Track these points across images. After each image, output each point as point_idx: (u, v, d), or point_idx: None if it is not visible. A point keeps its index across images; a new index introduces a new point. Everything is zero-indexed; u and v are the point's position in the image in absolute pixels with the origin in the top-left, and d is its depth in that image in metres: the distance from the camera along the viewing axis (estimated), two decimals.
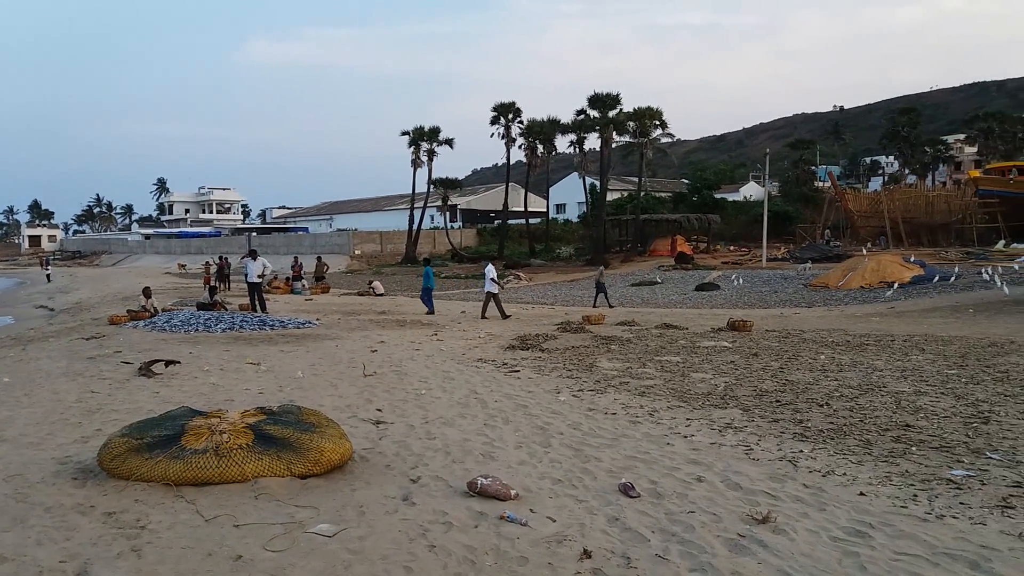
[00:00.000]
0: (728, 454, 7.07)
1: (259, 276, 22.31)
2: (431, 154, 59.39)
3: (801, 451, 7.12)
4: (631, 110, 51.99)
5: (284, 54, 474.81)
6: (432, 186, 61.70)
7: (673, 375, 11.35)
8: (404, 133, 59.28)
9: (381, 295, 31.44)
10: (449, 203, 65.73)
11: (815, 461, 6.80)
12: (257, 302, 21.79)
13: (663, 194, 68.62)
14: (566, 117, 55.83)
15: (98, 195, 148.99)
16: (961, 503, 5.65)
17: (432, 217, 68.58)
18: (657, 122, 51.93)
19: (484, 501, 5.66)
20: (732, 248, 55.56)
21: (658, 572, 4.50)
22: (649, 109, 51.63)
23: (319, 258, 39.51)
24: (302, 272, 34.78)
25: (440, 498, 5.78)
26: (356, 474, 6.33)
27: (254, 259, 22.41)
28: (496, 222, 68.43)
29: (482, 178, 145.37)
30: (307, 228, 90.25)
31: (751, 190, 77.97)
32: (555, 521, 5.30)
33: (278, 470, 6.02)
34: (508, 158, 59.97)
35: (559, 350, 14.20)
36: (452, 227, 69.24)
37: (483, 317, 20.52)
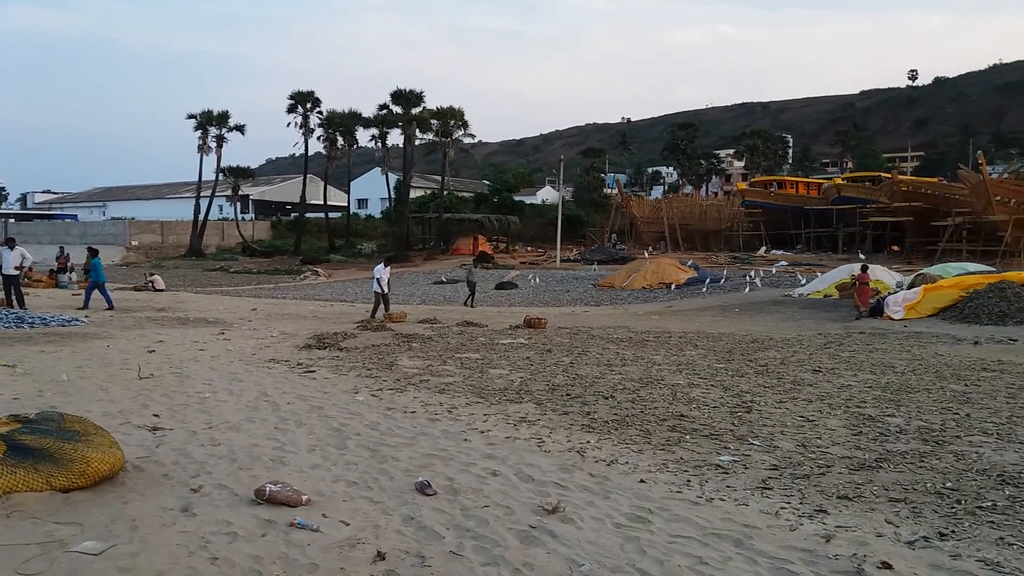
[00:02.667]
0: (522, 447, 7.28)
1: (17, 268, 19.91)
2: (221, 140, 56.19)
3: (588, 442, 7.48)
4: (434, 108, 52.31)
5: (54, 23, 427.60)
6: (222, 174, 58.33)
7: (472, 372, 11.51)
8: (191, 116, 55.68)
9: (161, 290, 29.17)
10: (241, 193, 62.40)
11: (601, 451, 7.17)
12: (14, 297, 19.42)
13: (466, 194, 69.69)
14: (368, 111, 55.12)
15: None
16: (728, 486, 6.19)
17: (221, 207, 64.81)
18: (460, 122, 52.64)
19: (273, 508, 5.40)
20: (529, 249, 57.67)
21: (452, 569, 4.51)
22: (452, 109, 52.27)
23: (90, 248, 35.83)
24: (69, 264, 31.43)
25: (224, 507, 5.43)
26: (129, 486, 5.79)
27: (11, 248, 19.96)
28: (293, 215, 65.98)
29: (278, 168, 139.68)
30: (76, 216, 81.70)
31: (547, 194, 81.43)
32: (349, 525, 5.16)
33: (35, 484, 5.36)
34: (306, 149, 58.12)
35: (358, 349, 13.93)
36: (244, 218, 65.82)
37: (387, 317, 19.27)
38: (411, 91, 52.35)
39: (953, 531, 5.11)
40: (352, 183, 64.99)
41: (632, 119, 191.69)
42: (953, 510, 5.51)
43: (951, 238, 38.39)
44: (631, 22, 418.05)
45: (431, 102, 53.42)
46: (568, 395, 9.72)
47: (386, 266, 20.77)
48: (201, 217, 56.73)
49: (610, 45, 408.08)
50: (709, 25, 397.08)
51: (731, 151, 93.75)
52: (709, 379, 10.97)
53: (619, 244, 54.79)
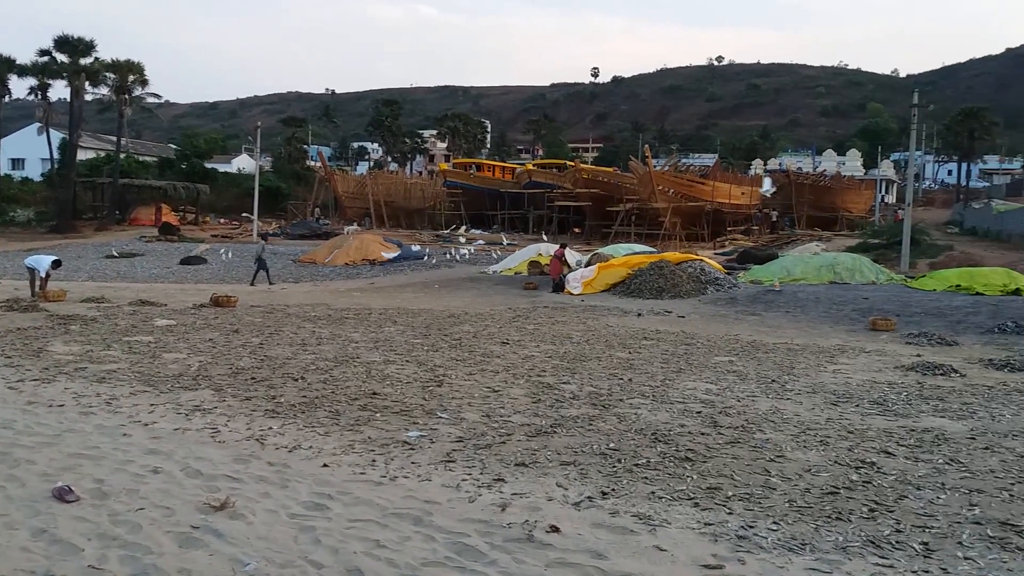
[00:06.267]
0: (192, 439, 6.60)
1: None
2: None
3: (271, 428, 7.01)
4: (110, 60, 46.53)
5: None
6: None
7: (142, 357, 10.31)
8: None
9: None
10: None
11: (283, 437, 6.74)
12: None
13: (148, 158, 63.05)
14: (26, 57, 47.37)
15: None
16: (413, 462, 6.13)
17: None
18: (140, 78, 47.42)
19: None
20: (222, 221, 54.02)
21: None
22: (130, 62, 46.88)
23: None
24: None
25: None
26: None
27: None
28: None
29: None
30: None
31: (244, 162, 76.77)
32: None
33: None
34: None
35: None
36: None
37: (35, 295, 16.80)
38: (80, 38, 45.88)
39: (613, 489, 5.52)
40: (4, 140, 55.53)
41: (337, 91, 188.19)
42: (614, 469, 5.98)
43: (623, 222, 42.88)
44: None
45: (112, 54, 47.53)
46: (253, 379, 9.09)
47: (54, 267, 18.01)
48: None
49: (311, 11, 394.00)
50: (411, 4, 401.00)
51: (434, 132, 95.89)
52: (405, 355, 10.96)
53: (323, 219, 53.38)
